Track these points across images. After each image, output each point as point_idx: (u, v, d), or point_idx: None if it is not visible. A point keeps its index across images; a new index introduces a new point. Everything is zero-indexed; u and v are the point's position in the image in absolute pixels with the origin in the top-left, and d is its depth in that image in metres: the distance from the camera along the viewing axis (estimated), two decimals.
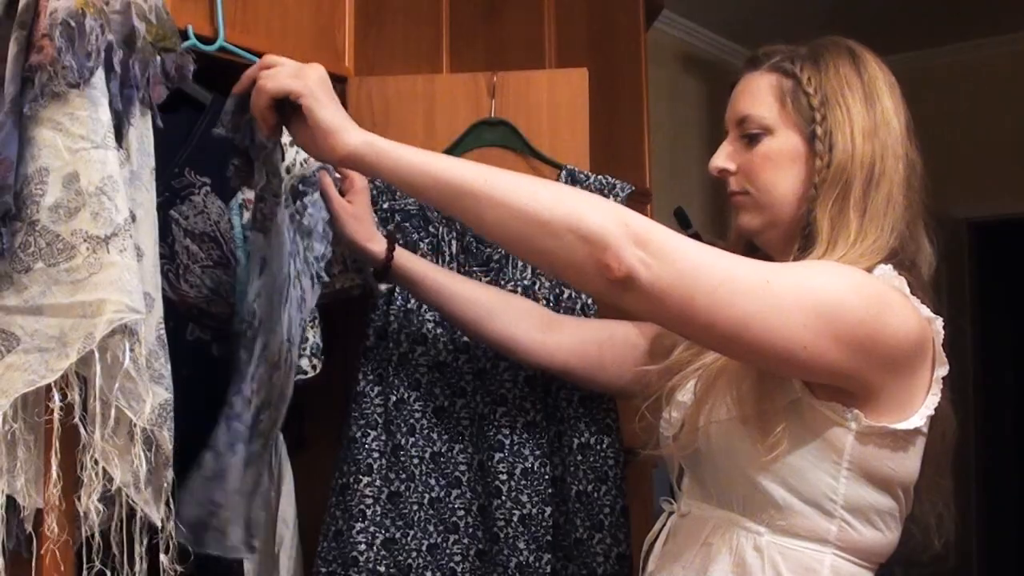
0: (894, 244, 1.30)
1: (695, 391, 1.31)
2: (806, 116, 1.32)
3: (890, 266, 1.29)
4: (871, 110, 1.31)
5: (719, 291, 1.11)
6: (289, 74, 1.26)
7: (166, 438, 1.28)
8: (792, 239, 1.33)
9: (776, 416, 1.20)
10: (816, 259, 1.26)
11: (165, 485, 1.29)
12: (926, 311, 1.27)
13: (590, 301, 1.83)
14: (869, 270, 1.26)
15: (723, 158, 1.39)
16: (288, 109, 1.31)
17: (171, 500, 1.32)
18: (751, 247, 1.42)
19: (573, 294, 1.82)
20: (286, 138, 1.74)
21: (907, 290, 1.27)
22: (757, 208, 1.37)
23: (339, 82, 1.93)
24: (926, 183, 1.36)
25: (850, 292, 1.17)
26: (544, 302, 1.82)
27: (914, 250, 1.33)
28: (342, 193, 1.60)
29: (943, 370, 1.26)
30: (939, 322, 1.27)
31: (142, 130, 1.33)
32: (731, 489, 1.25)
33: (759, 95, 1.36)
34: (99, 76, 1.24)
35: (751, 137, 1.36)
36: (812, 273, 1.19)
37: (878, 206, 1.28)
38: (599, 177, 1.87)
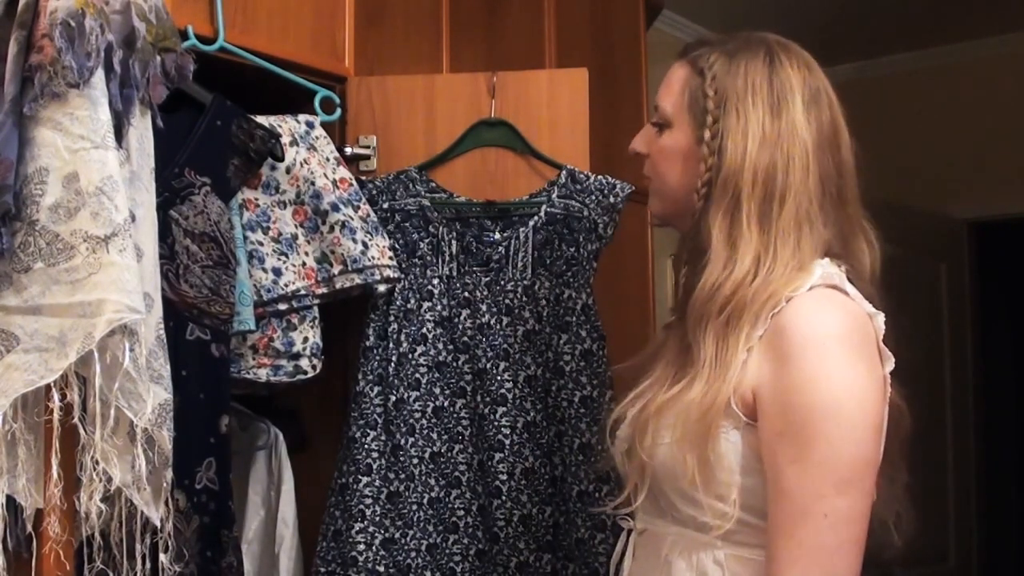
0: (827, 246, 1.26)
1: (642, 410, 1.29)
2: (699, 118, 1.28)
3: (827, 260, 1.26)
4: (775, 119, 1.25)
5: None
6: None
7: (166, 438, 1.28)
8: None
9: (726, 451, 1.20)
10: (712, 275, 1.22)
11: (165, 485, 1.29)
12: (868, 306, 1.24)
13: (591, 302, 1.83)
14: (808, 271, 1.23)
15: (639, 142, 1.39)
16: None
17: (170, 500, 1.32)
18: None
19: (573, 294, 1.82)
20: (286, 138, 1.75)
21: (847, 285, 1.24)
22: (658, 195, 1.36)
23: (339, 82, 1.93)
24: (856, 190, 1.29)
25: (853, 452, 1.16)
26: (543, 302, 1.82)
27: (849, 256, 1.30)
28: None
29: (889, 365, 1.23)
30: (880, 318, 1.24)
31: (142, 130, 1.33)
32: (683, 508, 1.24)
33: (671, 86, 1.34)
34: (99, 76, 1.24)
35: (658, 126, 1.36)
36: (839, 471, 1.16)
37: (787, 221, 1.23)
38: (599, 177, 1.87)
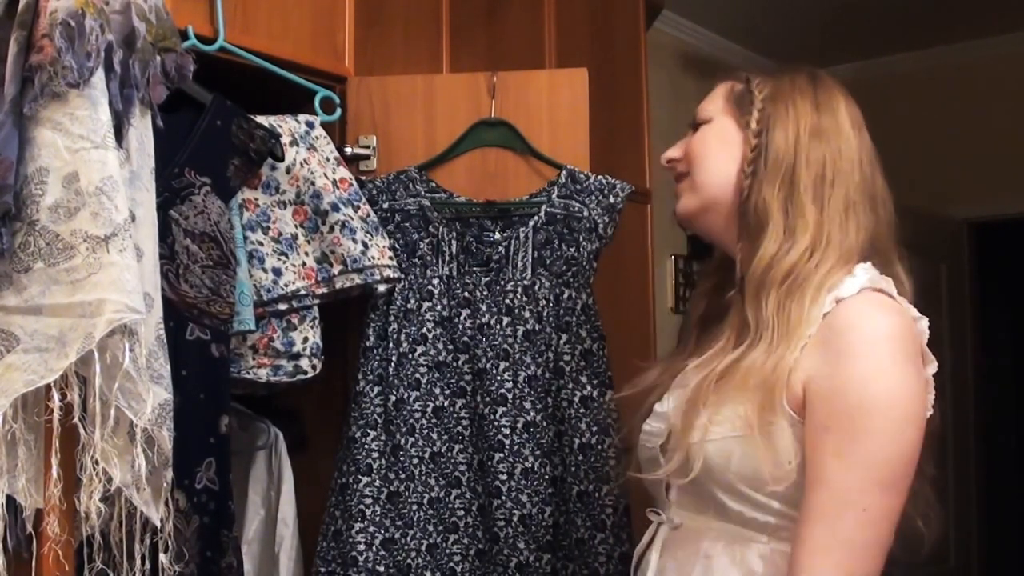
0: (865, 249, 1.30)
1: (680, 404, 1.31)
2: (745, 110, 1.35)
3: (870, 264, 1.29)
4: (821, 115, 1.32)
5: None
6: None
7: (165, 438, 1.28)
8: (733, 227, 1.35)
9: (781, 439, 1.22)
10: (773, 244, 1.27)
11: (165, 485, 1.29)
12: (913, 311, 1.28)
13: (591, 302, 1.83)
14: (850, 271, 1.27)
15: (672, 150, 1.43)
16: None
17: (170, 500, 1.32)
18: (697, 248, 1.46)
19: (572, 294, 1.82)
20: (286, 138, 1.75)
21: (894, 290, 1.28)
22: (693, 189, 1.38)
23: (339, 82, 1.93)
24: (893, 222, 1.35)
25: (897, 450, 1.19)
26: (543, 302, 1.82)
27: (886, 267, 1.33)
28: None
29: (932, 367, 1.27)
30: (924, 322, 1.28)
31: (142, 130, 1.33)
32: (730, 503, 1.25)
33: (712, 96, 1.41)
34: (99, 76, 1.24)
35: (695, 128, 1.40)
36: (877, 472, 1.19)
37: (837, 204, 1.29)
38: (599, 177, 1.87)
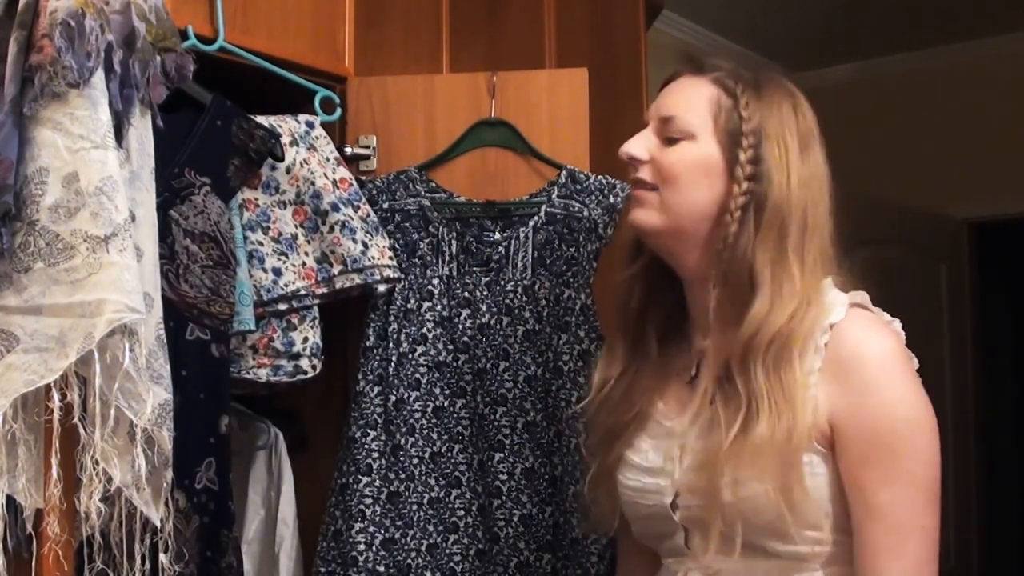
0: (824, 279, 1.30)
1: (681, 458, 1.29)
2: (733, 139, 1.26)
3: (830, 280, 1.28)
4: (806, 158, 1.26)
5: None
6: None
7: (165, 438, 1.28)
8: (704, 264, 1.28)
9: (814, 480, 1.21)
10: (762, 309, 1.22)
11: (165, 485, 1.29)
12: (886, 316, 1.29)
13: (590, 302, 1.84)
14: (826, 295, 1.26)
15: (639, 146, 1.32)
16: None
17: (170, 500, 1.32)
18: (636, 249, 1.39)
19: (572, 294, 1.82)
20: (286, 138, 1.75)
21: (868, 301, 1.28)
22: (661, 208, 1.29)
23: (339, 82, 1.93)
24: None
25: (934, 463, 1.23)
26: (543, 302, 1.82)
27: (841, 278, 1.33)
28: None
29: (915, 363, 1.28)
30: (897, 323, 1.29)
31: (142, 130, 1.33)
32: (779, 545, 1.23)
33: (693, 101, 1.30)
34: (99, 76, 1.24)
35: (671, 140, 1.30)
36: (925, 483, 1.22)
37: (814, 255, 1.26)
38: (599, 177, 1.87)
